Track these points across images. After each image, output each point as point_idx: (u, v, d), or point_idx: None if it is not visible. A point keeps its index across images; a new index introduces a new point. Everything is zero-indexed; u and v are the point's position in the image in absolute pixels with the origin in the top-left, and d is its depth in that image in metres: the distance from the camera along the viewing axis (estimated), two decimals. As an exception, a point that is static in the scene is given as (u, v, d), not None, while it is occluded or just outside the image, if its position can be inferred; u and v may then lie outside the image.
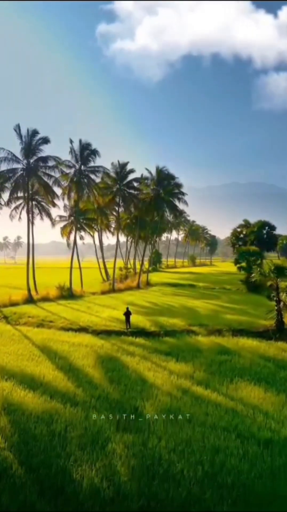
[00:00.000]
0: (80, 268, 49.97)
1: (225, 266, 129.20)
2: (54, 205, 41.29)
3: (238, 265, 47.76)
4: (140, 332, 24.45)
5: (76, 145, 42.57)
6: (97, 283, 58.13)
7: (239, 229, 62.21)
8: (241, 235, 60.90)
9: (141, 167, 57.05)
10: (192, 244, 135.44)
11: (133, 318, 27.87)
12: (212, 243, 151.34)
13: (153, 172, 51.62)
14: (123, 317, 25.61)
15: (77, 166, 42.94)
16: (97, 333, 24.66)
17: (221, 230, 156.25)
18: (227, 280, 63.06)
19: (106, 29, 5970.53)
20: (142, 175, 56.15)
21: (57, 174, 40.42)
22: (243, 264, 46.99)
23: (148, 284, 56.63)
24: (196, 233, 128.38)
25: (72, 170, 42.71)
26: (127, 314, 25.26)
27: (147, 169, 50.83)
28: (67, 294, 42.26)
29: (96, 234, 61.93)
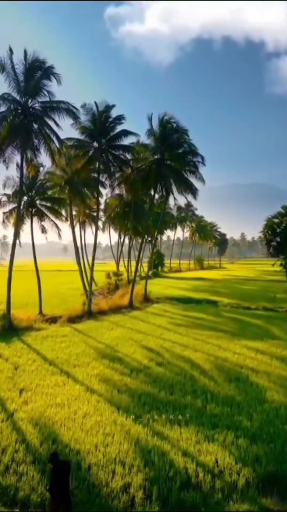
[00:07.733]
0: (38, 276, 31.51)
1: (237, 269, 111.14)
2: None
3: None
4: None
5: (17, 61, 23.54)
6: (77, 295, 40.03)
7: (276, 220, 43.46)
8: (279, 229, 42.34)
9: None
10: (200, 243, 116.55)
11: (102, 436, 9.77)
12: (221, 243, 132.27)
13: (155, 126, 32.46)
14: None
15: (20, 99, 24.15)
16: None
17: (222, 231, 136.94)
18: (259, 293, 44.97)
19: (115, 11, 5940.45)
20: (138, 141, 38.17)
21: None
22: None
23: (147, 299, 38.12)
24: (204, 230, 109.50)
25: (9, 106, 23.88)
26: (59, 476, 6.73)
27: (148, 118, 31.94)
28: (2, 325, 24.02)
29: (78, 226, 43.98)
